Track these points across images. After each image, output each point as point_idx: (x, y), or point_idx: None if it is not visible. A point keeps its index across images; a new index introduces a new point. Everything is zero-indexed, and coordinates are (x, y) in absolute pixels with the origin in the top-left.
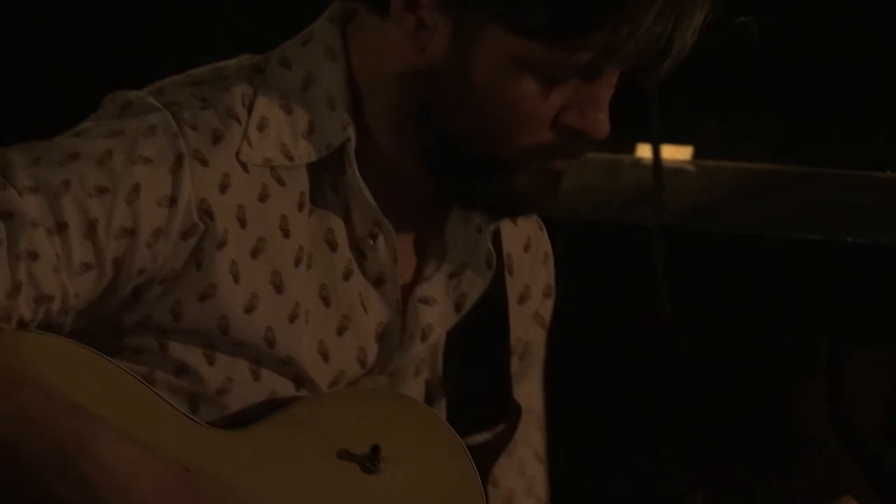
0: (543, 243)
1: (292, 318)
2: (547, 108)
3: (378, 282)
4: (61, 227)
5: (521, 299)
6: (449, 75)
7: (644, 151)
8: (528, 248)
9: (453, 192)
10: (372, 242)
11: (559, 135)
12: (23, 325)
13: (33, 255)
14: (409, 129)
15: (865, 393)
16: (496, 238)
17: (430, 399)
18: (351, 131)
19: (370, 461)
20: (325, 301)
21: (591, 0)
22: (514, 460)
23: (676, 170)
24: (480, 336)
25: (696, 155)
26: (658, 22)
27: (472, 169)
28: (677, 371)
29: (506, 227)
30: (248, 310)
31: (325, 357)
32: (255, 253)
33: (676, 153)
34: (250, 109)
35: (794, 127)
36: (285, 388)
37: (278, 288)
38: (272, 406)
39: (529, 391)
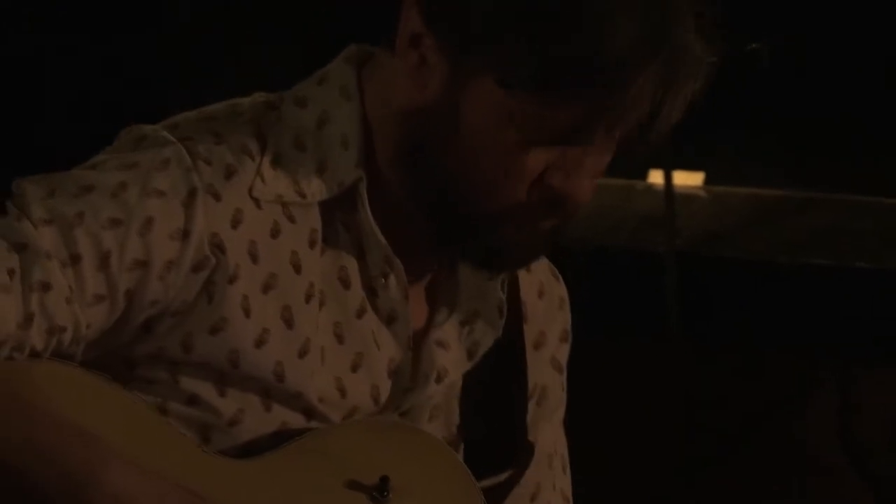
0: (558, 289)
1: (302, 353)
2: (529, 165)
3: (390, 320)
4: (75, 259)
5: (537, 345)
6: (440, 117)
7: (656, 177)
8: (541, 294)
9: (443, 239)
10: (384, 281)
11: (542, 195)
12: (35, 354)
13: (46, 287)
14: (405, 169)
15: (875, 416)
16: (513, 284)
17: (447, 443)
18: (362, 171)
19: (379, 492)
20: (339, 338)
21: (579, 61)
22: None
23: (688, 196)
24: (497, 382)
25: (708, 181)
26: (647, 90)
27: (458, 217)
28: (687, 394)
29: (520, 274)
30: (259, 344)
31: (343, 393)
32: (266, 288)
33: (688, 179)
34: (264, 146)
35: (803, 153)
36: (296, 420)
37: (288, 323)
38: (283, 437)
39: (552, 435)
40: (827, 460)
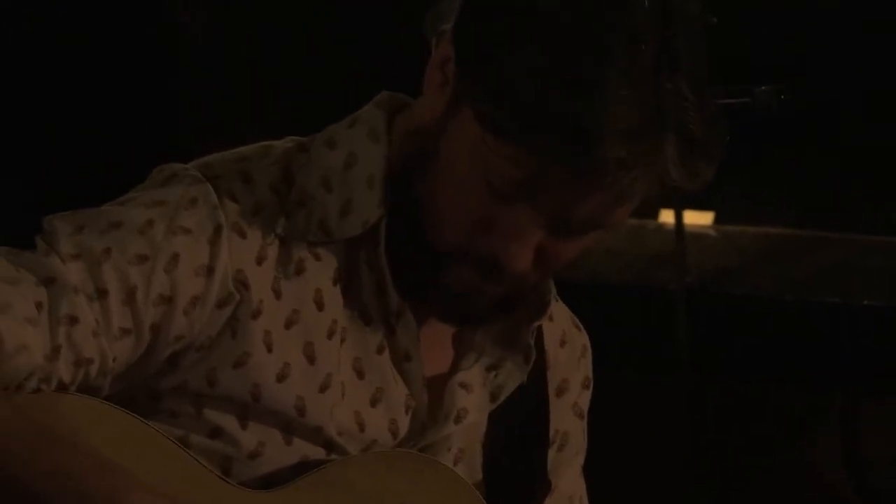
0: (581, 338)
1: (323, 388)
2: (479, 211)
3: (406, 358)
4: (101, 294)
5: (560, 392)
6: (430, 139)
7: (667, 217)
8: (563, 343)
9: (406, 269)
10: (396, 321)
11: (480, 249)
12: (62, 386)
13: (73, 320)
14: (396, 190)
15: (880, 447)
16: (538, 334)
17: (472, 485)
18: (385, 210)
19: None
20: (359, 374)
21: (560, 128)
22: None
23: (698, 234)
24: (520, 426)
25: (718, 220)
26: (601, 178)
27: (417, 245)
28: (697, 425)
29: (544, 324)
30: (281, 379)
31: (362, 427)
32: (288, 324)
33: (698, 218)
34: (291, 186)
35: (811, 194)
36: (316, 453)
37: (310, 359)
38: (303, 469)
39: (572, 478)
40: (832, 488)
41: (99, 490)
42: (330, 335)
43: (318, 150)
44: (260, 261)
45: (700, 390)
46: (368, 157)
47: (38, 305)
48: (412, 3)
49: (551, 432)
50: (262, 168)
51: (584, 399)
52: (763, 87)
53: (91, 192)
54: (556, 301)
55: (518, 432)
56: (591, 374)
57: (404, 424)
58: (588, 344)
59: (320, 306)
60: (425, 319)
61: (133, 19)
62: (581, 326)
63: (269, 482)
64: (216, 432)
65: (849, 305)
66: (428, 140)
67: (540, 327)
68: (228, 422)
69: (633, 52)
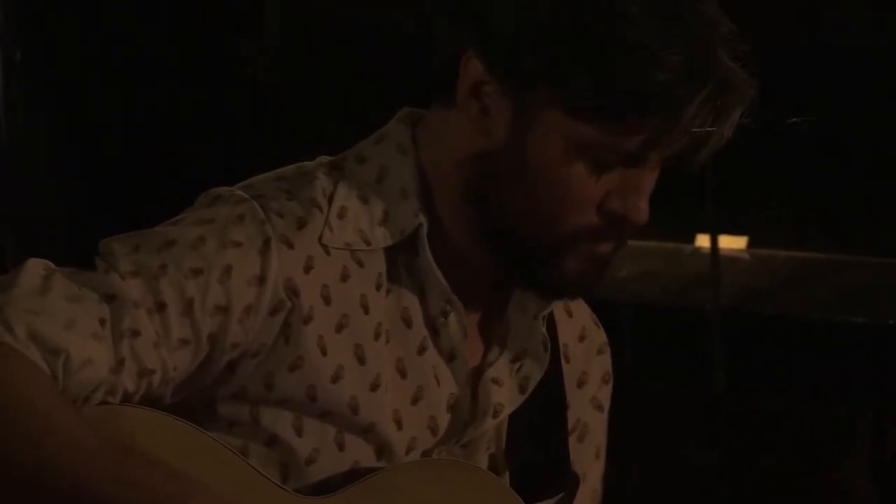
0: (599, 336)
1: (374, 387)
2: (594, 191)
3: (450, 357)
4: (160, 307)
5: (580, 384)
6: (508, 157)
7: (703, 241)
8: (582, 338)
9: (511, 273)
10: (444, 320)
11: (603, 219)
12: (127, 397)
13: (135, 333)
14: (472, 212)
15: None
16: (551, 326)
17: (494, 471)
18: (422, 218)
19: None
20: (402, 373)
21: (640, 89)
22: None
23: (732, 258)
24: (540, 414)
25: (751, 244)
26: (700, 114)
27: (526, 251)
28: (731, 444)
29: (561, 320)
30: (335, 380)
31: (399, 425)
32: (339, 328)
33: (732, 243)
34: (330, 200)
35: (839, 219)
36: (367, 457)
37: (361, 360)
38: (355, 475)
39: (598, 472)
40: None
41: (166, 495)
42: (376, 337)
43: (351, 166)
44: (308, 269)
45: (731, 405)
46: (399, 169)
47: (102, 321)
48: None
49: (571, 421)
50: (302, 185)
51: (604, 393)
52: (794, 119)
53: (157, 215)
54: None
55: (538, 421)
56: (610, 370)
57: (444, 422)
58: (606, 342)
59: (366, 310)
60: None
61: (198, 55)
62: (600, 325)
63: (323, 488)
64: (273, 440)
65: (875, 325)
66: (502, 160)
67: (554, 323)
68: (285, 429)
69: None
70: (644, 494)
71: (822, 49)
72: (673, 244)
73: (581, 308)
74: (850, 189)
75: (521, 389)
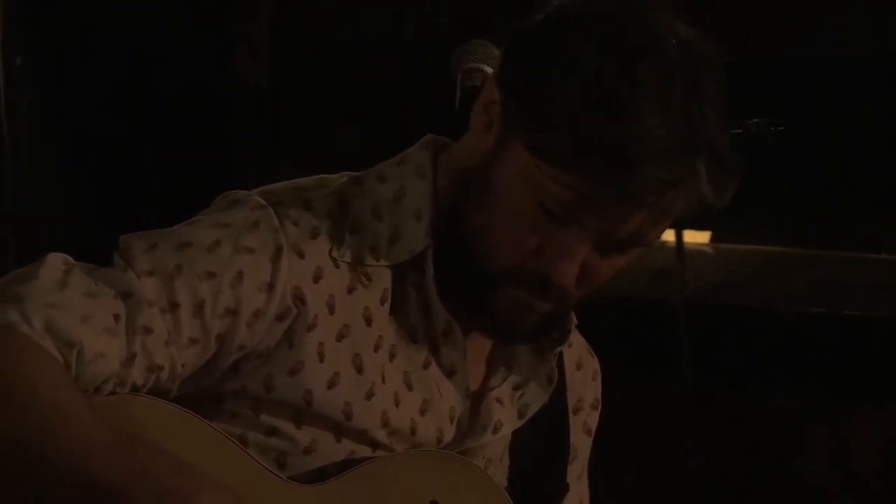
0: (593, 364)
1: (369, 395)
2: (531, 234)
3: (450, 373)
4: (173, 307)
5: (575, 410)
6: (480, 173)
7: (668, 235)
8: (579, 367)
9: (461, 291)
10: (444, 339)
11: (532, 268)
12: (135, 389)
13: (148, 331)
14: (450, 224)
15: (864, 447)
16: (559, 360)
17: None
18: (430, 241)
19: None
20: (409, 386)
21: (606, 150)
22: None
23: (697, 252)
24: (544, 441)
25: (714, 239)
26: (642, 196)
27: (471, 269)
28: (697, 427)
29: (564, 349)
30: (331, 386)
31: (413, 432)
32: (340, 337)
33: (697, 237)
34: (347, 214)
35: (801, 215)
36: (363, 451)
37: (358, 369)
38: (351, 463)
39: (581, 490)
40: (823, 488)
41: (171, 488)
42: (376, 349)
43: (371, 183)
44: (316, 279)
45: (698, 395)
46: (416, 192)
47: (116, 317)
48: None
49: (571, 448)
50: (320, 197)
51: (593, 418)
52: (755, 120)
53: (157, 216)
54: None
55: (542, 446)
56: (599, 397)
57: (450, 432)
58: (599, 369)
59: (368, 322)
60: (467, 338)
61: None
62: (594, 354)
63: (320, 475)
64: (272, 431)
65: (834, 316)
66: (477, 176)
67: (561, 352)
68: (283, 423)
69: (666, 84)
70: (611, 483)
71: (784, 55)
72: None
73: (577, 338)
74: (809, 187)
75: (520, 415)
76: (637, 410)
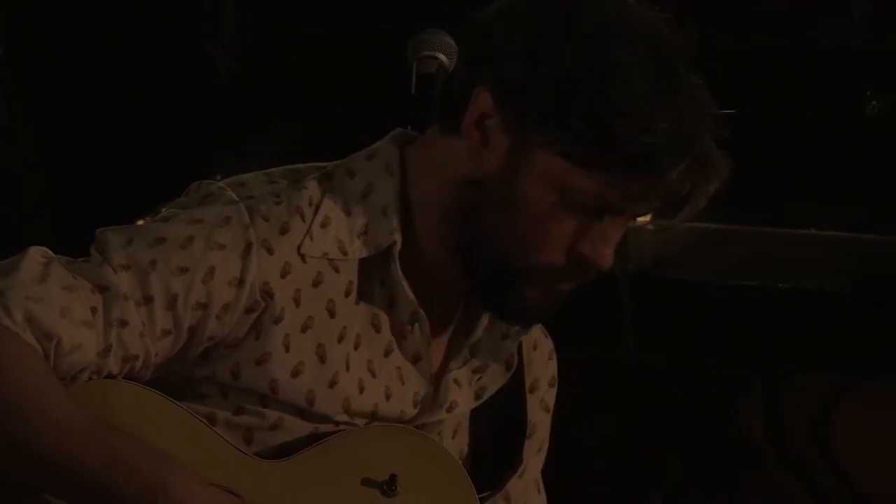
0: (548, 345)
1: (332, 384)
2: (568, 233)
3: (415, 359)
4: (147, 300)
5: (531, 389)
6: (498, 184)
7: None
8: (536, 347)
9: (477, 292)
10: (410, 328)
11: (570, 260)
12: (111, 377)
13: (123, 323)
14: (450, 232)
15: (796, 413)
16: (518, 345)
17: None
18: (398, 237)
19: (388, 487)
20: (372, 373)
21: (630, 148)
22: None
23: (637, 228)
24: (502, 419)
25: (654, 216)
26: (679, 181)
27: (495, 274)
28: (639, 396)
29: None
30: (295, 374)
31: (375, 415)
32: (304, 328)
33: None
34: (316, 209)
35: (734, 193)
36: (327, 427)
37: (322, 358)
38: (315, 438)
39: (536, 464)
40: (757, 451)
41: (148, 475)
42: (340, 339)
43: (341, 178)
44: (284, 275)
45: (638, 361)
46: (384, 189)
47: (93, 310)
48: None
49: (528, 425)
50: (292, 191)
51: (550, 396)
52: None
53: (131, 191)
54: None
55: (499, 424)
56: (556, 375)
57: (411, 413)
58: (553, 349)
59: (332, 314)
60: (432, 325)
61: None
62: (548, 335)
63: (284, 451)
64: (240, 410)
65: (767, 288)
66: (493, 188)
67: (521, 341)
68: (252, 402)
69: (664, 70)
70: (555, 454)
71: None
72: None
73: None
74: (743, 168)
75: (477, 397)
76: (581, 379)
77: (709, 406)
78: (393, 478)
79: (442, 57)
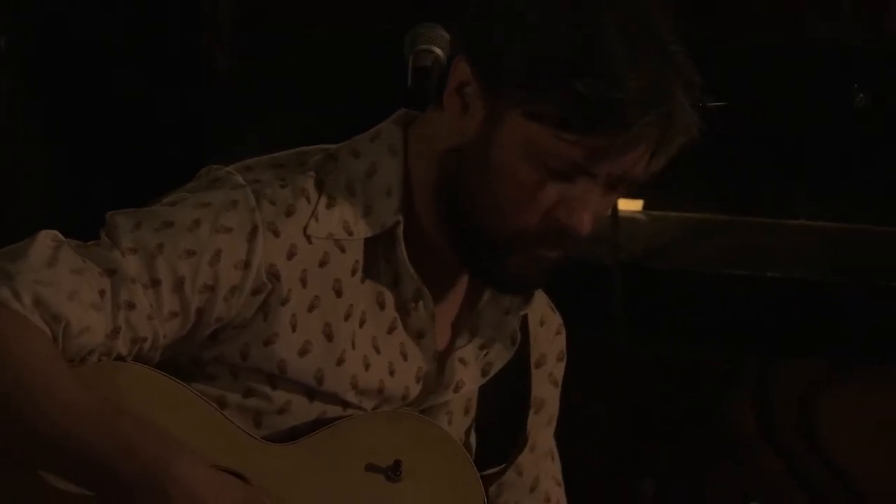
0: (556, 320)
1: (340, 362)
2: (544, 196)
3: (419, 336)
4: (155, 283)
5: (538, 364)
6: (475, 150)
7: None
8: (542, 323)
9: (465, 262)
10: (415, 305)
11: (548, 225)
12: (120, 359)
13: (131, 306)
14: (441, 202)
15: (783, 400)
16: (523, 320)
17: (462, 441)
18: (401, 216)
19: (393, 472)
20: (377, 350)
21: (594, 104)
22: (540, 494)
23: (630, 218)
24: (507, 394)
25: (646, 207)
26: (643, 137)
27: (478, 243)
28: (633, 382)
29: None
30: (302, 353)
31: (381, 392)
32: (311, 308)
33: (630, 205)
34: (321, 191)
35: (723, 185)
36: (334, 410)
37: (329, 337)
38: (322, 422)
39: (547, 436)
40: (747, 437)
41: (153, 458)
42: (346, 317)
43: (346, 159)
44: (290, 256)
45: (630, 349)
46: (388, 169)
47: (102, 293)
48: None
49: (532, 399)
50: (297, 174)
51: (559, 370)
52: None
53: (131, 189)
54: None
55: (505, 400)
56: (565, 349)
57: (415, 390)
58: (562, 323)
59: (339, 294)
60: (437, 303)
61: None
62: (556, 309)
63: (294, 433)
64: (249, 392)
65: (756, 277)
66: (470, 155)
67: (526, 315)
68: (260, 386)
69: (635, 28)
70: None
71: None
72: None
73: (539, 295)
74: (734, 160)
75: (484, 373)
76: (572, 368)
77: (699, 394)
78: (397, 463)
79: (437, 50)
